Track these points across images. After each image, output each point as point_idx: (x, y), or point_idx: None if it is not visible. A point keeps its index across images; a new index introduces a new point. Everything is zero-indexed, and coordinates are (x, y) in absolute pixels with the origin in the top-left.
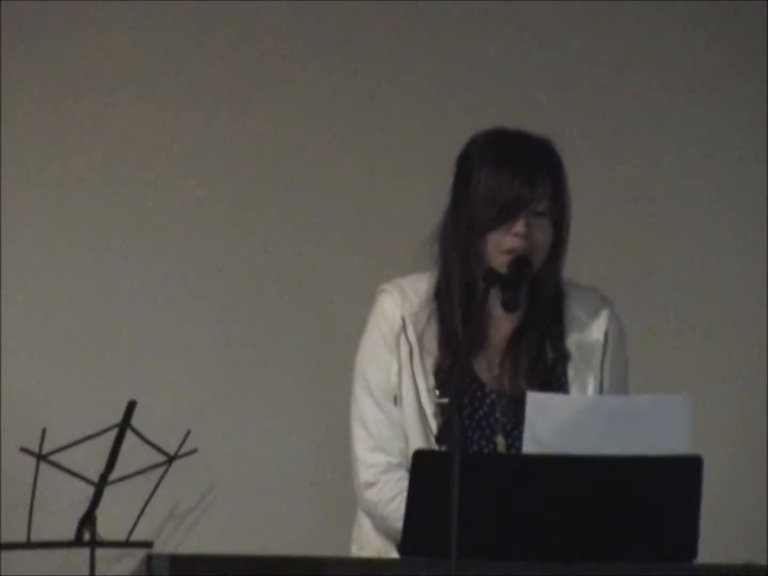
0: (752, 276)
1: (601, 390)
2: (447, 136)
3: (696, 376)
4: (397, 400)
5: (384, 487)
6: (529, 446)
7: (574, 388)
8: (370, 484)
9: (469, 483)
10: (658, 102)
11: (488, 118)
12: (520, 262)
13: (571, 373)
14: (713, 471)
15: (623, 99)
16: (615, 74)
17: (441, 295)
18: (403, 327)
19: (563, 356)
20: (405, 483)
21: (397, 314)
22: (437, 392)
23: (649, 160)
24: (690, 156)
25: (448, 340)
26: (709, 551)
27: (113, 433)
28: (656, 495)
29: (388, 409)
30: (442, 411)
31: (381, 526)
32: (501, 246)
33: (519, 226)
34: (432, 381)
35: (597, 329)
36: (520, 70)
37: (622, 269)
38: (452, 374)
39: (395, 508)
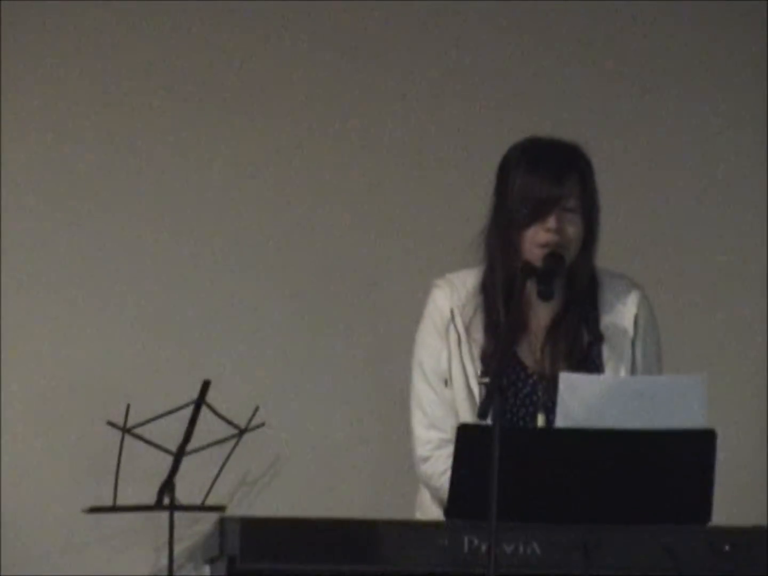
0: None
1: (633, 368)
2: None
3: (709, 356)
4: (447, 382)
5: (437, 462)
6: (561, 421)
7: (608, 368)
8: (425, 459)
9: (508, 453)
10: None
11: (534, 124)
12: (553, 257)
13: (605, 354)
14: (724, 442)
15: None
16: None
17: (486, 288)
18: (452, 317)
19: (598, 339)
20: None
21: (447, 306)
22: (483, 375)
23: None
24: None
25: (492, 328)
26: (724, 515)
27: (190, 409)
28: (674, 465)
29: (440, 391)
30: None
31: (435, 496)
32: (536, 240)
33: (551, 222)
34: (479, 365)
35: (628, 313)
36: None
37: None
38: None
39: (446, 481)
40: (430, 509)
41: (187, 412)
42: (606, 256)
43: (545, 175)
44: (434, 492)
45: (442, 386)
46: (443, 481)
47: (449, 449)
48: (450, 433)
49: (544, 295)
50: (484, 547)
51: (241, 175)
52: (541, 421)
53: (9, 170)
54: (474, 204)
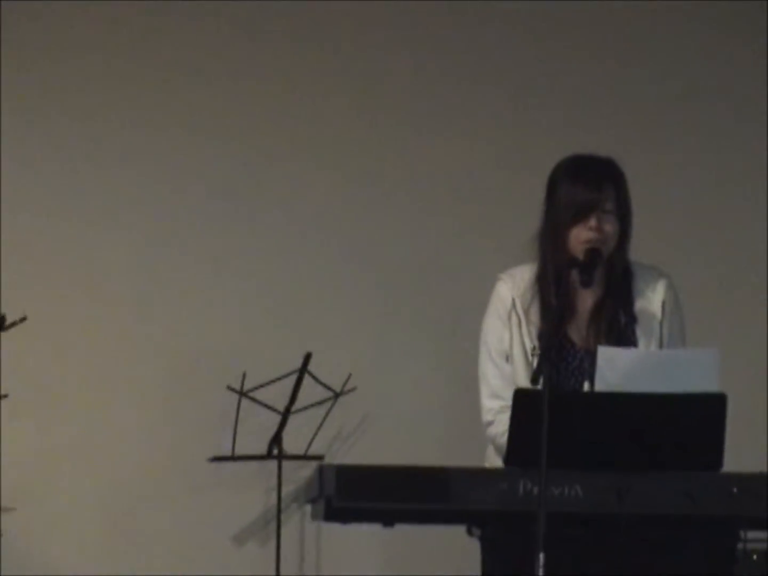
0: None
1: (660, 344)
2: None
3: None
4: (509, 359)
5: (499, 424)
6: (599, 386)
7: (640, 344)
8: (489, 423)
9: (555, 412)
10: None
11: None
12: (593, 251)
13: (638, 332)
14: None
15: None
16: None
17: (540, 280)
18: (513, 305)
19: (632, 320)
20: None
21: (509, 296)
22: (538, 350)
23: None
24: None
25: (546, 313)
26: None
27: (295, 376)
28: (692, 422)
29: (502, 366)
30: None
31: (500, 452)
32: (579, 238)
33: (592, 222)
34: (536, 343)
35: (657, 298)
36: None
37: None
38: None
39: (506, 439)
40: (494, 460)
41: (292, 379)
42: (638, 250)
43: (586, 183)
44: (498, 450)
45: (503, 362)
46: (503, 441)
47: (509, 414)
48: (509, 401)
49: (585, 283)
50: (535, 490)
51: (347, 178)
52: (587, 387)
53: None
54: (528, 212)
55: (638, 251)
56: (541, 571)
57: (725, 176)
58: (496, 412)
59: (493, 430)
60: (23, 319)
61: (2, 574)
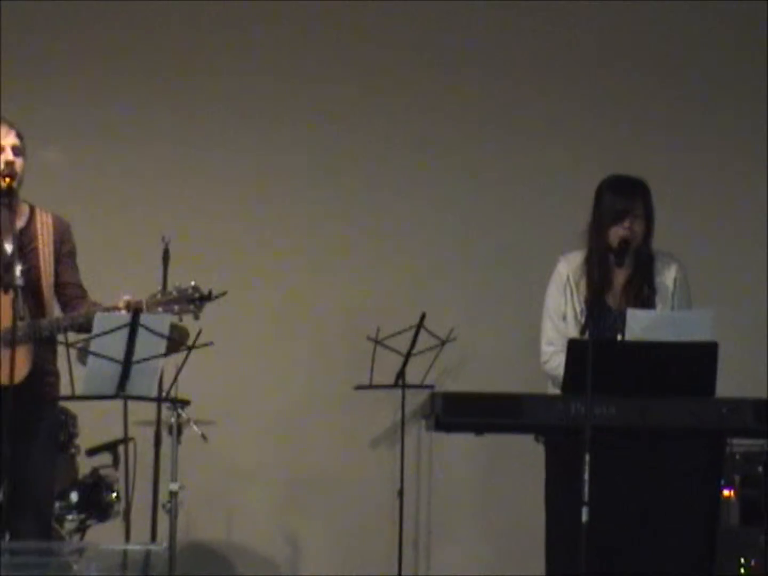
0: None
1: (673, 308)
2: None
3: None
4: (564, 317)
5: (552, 362)
6: (628, 337)
7: (658, 308)
8: (546, 361)
9: (597, 355)
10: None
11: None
12: (625, 242)
13: (657, 300)
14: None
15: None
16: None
17: (588, 262)
18: (568, 279)
19: (652, 291)
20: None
21: (565, 272)
22: (585, 313)
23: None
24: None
25: (591, 286)
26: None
27: (413, 329)
28: (693, 362)
29: (557, 322)
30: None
31: (553, 382)
32: (617, 234)
33: (626, 223)
34: (584, 307)
35: (670, 276)
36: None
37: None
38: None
39: (560, 372)
40: (552, 390)
41: (412, 331)
42: (657, 241)
43: (622, 195)
44: (552, 378)
45: (559, 320)
46: (558, 372)
47: (561, 356)
48: (560, 347)
49: (619, 264)
50: (583, 410)
51: (457, 184)
52: (619, 338)
53: None
54: (582, 213)
55: (657, 241)
56: (587, 467)
57: (724, 179)
58: (550, 353)
59: (548, 366)
60: (224, 293)
61: (209, 473)
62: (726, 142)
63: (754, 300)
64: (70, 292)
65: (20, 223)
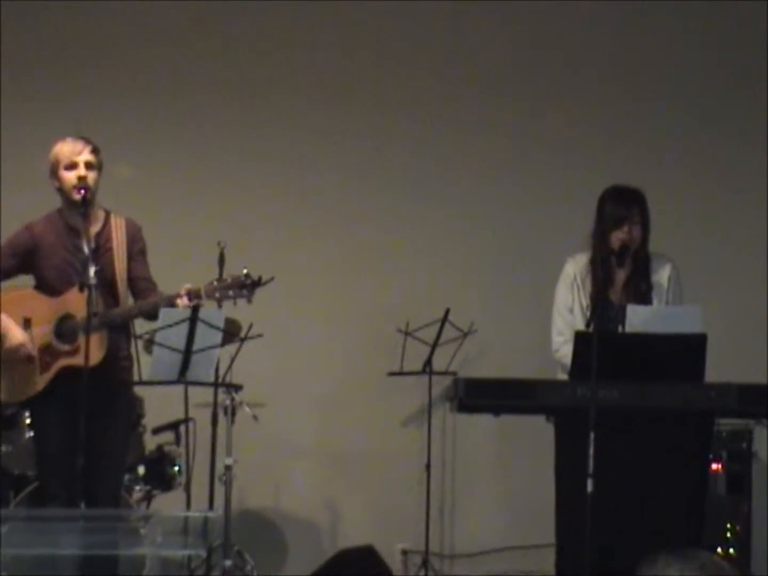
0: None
1: (667, 304)
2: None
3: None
4: (571, 311)
5: (562, 351)
6: (628, 330)
7: (654, 303)
8: (556, 350)
9: (600, 344)
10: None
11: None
12: (624, 246)
13: (653, 296)
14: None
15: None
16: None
17: (592, 262)
18: (575, 278)
19: (649, 288)
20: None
21: (572, 271)
22: (590, 308)
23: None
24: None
25: (595, 284)
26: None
27: (439, 322)
28: (684, 350)
29: (565, 316)
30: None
31: (563, 369)
32: (617, 238)
33: (625, 229)
34: (589, 302)
35: (665, 275)
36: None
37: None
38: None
39: (568, 360)
40: (562, 376)
41: (438, 324)
42: (653, 244)
43: (622, 204)
44: (563, 367)
45: (567, 313)
46: (567, 360)
47: (569, 346)
48: (569, 337)
49: (619, 265)
50: (589, 393)
51: (484, 194)
52: (620, 330)
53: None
54: (587, 219)
55: (653, 244)
56: (591, 444)
57: (722, 184)
58: (560, 343)
59: (558, 354)
60: (272, 279)
61: (259, 449)
62: (726, 142)
63: (753, 295)
64: (141, 285)
65: (96, 227)
